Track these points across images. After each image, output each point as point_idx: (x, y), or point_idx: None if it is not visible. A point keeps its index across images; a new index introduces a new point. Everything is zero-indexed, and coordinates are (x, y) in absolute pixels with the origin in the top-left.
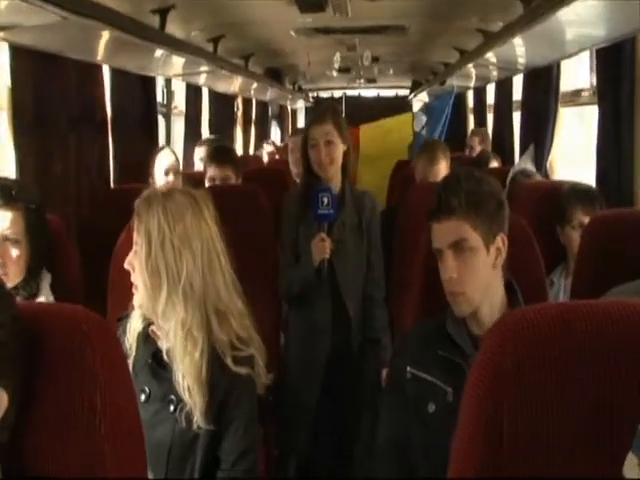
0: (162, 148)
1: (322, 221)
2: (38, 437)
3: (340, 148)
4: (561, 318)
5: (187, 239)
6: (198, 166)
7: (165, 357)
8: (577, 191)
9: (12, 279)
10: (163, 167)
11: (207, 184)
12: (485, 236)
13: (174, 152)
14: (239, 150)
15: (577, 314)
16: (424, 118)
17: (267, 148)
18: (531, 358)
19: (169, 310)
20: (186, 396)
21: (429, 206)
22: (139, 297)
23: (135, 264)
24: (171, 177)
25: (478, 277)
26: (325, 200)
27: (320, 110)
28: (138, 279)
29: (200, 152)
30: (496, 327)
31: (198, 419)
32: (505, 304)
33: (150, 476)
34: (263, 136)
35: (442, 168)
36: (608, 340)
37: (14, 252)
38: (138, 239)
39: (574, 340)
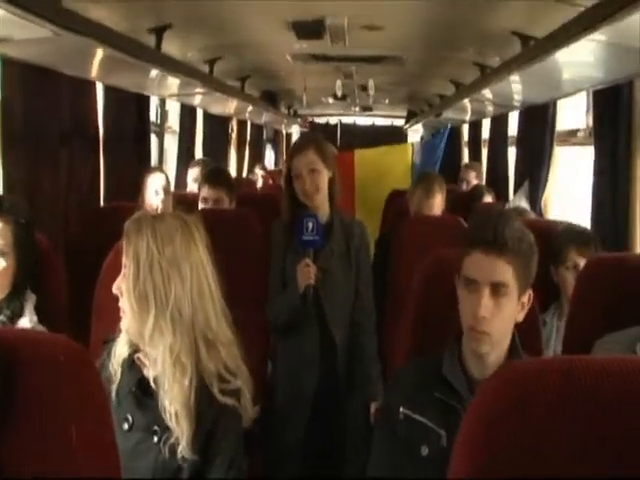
0: (154, 169)
1: (307, 247)
2: (11, 469)
3: (325, 176)
4: (564, 374)
5: (176, 262)
6: (191, 187)
7: (152, 384)
8: (572, 232)
9: None
10: (154, 187)
11: (200, 205)
12: (520, 288)
13: (165, 173)
14: (232, 172)
15: (581, 370)
16: (419, 154)
17: (259, 173)
18: (529, 415)
19: (157, 335)
20: (173, 424)
21: (477, 232)
22: (126, 321)
23: (123, 288)
24: (161, 196)
25: (504, 324)
26: (310, 226)
27: (301, 140)
28: (125, 303)
29: (193, 173)
30: (496, 376)
31: (184, 449)
32: (506, 355)
33: None
34: (257, 159)
35: (438, 201)
36: (612, 397)
37: (0, 264)
38: (126, 262)
39: (576, 397)
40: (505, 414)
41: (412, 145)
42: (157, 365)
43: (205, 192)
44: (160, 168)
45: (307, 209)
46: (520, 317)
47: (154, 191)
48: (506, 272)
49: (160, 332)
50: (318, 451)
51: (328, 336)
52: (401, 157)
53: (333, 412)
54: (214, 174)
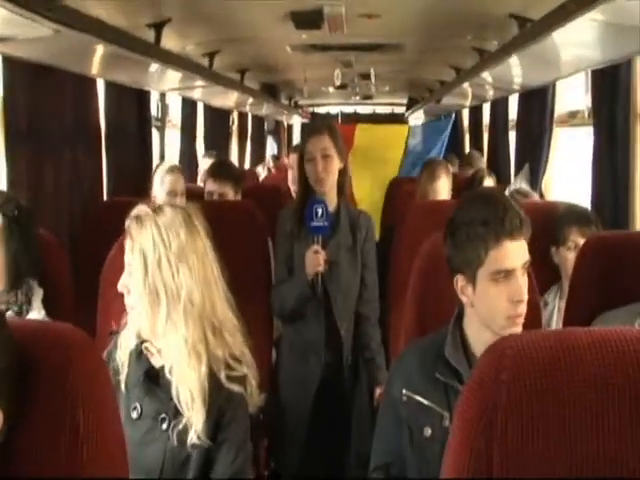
0: (172, 169)
1: (316, 233)
2: (20, 458)
3: (337, 163)
4: (559, 346)
5: (183, 254)
6: (201, 178)
7: (167, 374)
8: (572, 212)
9: None
10: (169, 187)
11: (206, 198)
12: None
13: (181, 171)
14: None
15: (576, 343)
16: (419, 136)
17: (270, 163)
18: (527, 390)
19: (170, 329)
20: (187, 411)
21: (504, 224)
22: (136, 319)
23: (130, 286)
24: (178, 200)
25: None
26: (320, 211)
27: (317, 124)
28: (134, 300)
29: (205, 164)
30: (492, 352)
31: (198, 432)
32: None
33: None
34: (259, 151)
35: (443, 185)
36: (607, 370)
37: None
38: (132, 260)
39: (571, 370)
40: (502, 386)
41: (409, 128)
42: (170, 356)
43: (210, 186)
44: (177, 168)
45: (316, 196)
46: None
47: (170, 192)
48: (526, 250)
49: (173, 325)
50: (323, 438)
51: (333, 326)
52: (398, 138)
53: (338, 400)
54: (218, 168)
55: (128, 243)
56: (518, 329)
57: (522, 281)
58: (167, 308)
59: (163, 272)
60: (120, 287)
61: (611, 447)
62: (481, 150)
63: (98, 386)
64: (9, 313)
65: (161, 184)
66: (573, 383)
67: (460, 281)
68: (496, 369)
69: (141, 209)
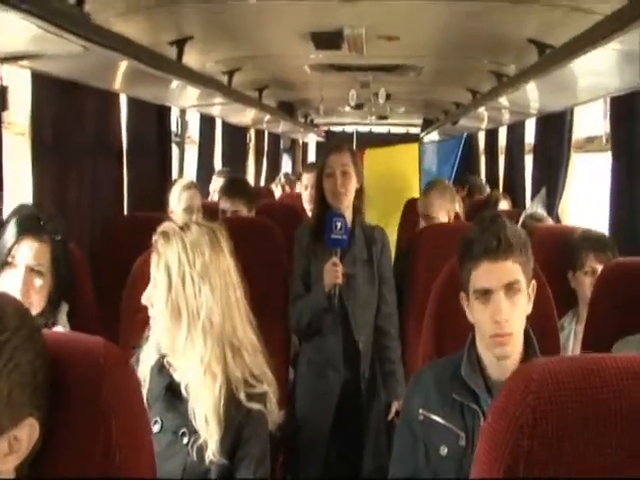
0: (189, 185)
1: (335, 246)
2: (55, 467)
3: (354, 181)
4: (586, 372)
5: (207, 274)
6: (213, 196)
7: (183, 391)
8: (589, 237)
9: (33, 309)
10: (186, 204)
11: (220, 216)
12: (526, 280)
13: (198, 188)
14: (251, 181)
15: (601, 368)
16: (433, 156)
17: (282, 180)
18: (553, 413)
19: (188, 346)
20: (202, 429)
21: (477, 243)
22: (158, 334)
23: (153, 300)
24: (194, 216)
25: (520, 320)
26: (339, 225)
27: (338, 141)
28: (157, 315)
29: (217, 183)
30: (518, 376)
31: (213, 452)
32: (522, 351)
33: None
34: (274, 168)
35: (434, 199)
36: (633, 397)
37: (37, 282)
38: (157, 275)
39: (598, 396)
40: (528, 409)
41: (419, 144)
42: (187, 374)
43: (224, 204)
44: (194, 184)
45: (335, 211)
46: (529, 308)
47: (186, 208)
48: (515, 270)
49: (192, 343)
50: (339, 453)
51: (351, 341)
52: (409, 156)
53: (355, 415)
54: (232, 186)
55: (154, 258)
56: (506, 349)
57: (504, 302)
58: (187, 326)
59: (186, 290)
60: (144, 300)
61: (637, 472)
62: (497, 173)
63: (130, 397)
64: None
65: (178, 200)
66: (599, 408)
67: (464, 299)
68: (523, 392)
69: (168, 226)
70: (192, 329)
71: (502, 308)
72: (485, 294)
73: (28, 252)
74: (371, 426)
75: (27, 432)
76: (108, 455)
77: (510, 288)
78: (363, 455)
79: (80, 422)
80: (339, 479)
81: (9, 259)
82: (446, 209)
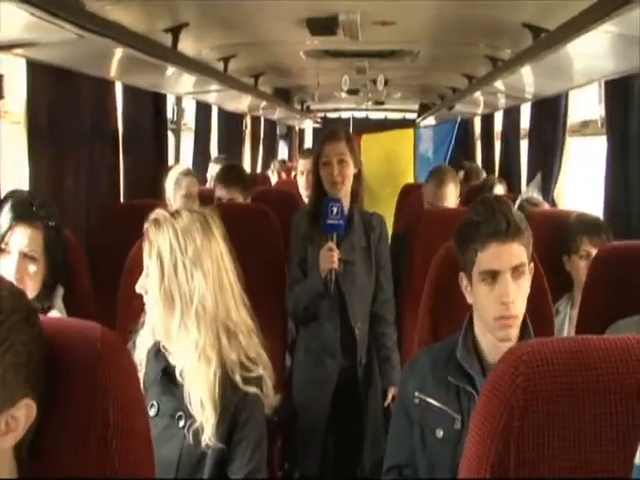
0: (186, 172)
1: (331, 231)
2: (52, 449)
3: (352, 168)
4: (575, 353)
5: (199, 260)
6: (210, 183)
7: (178, 376)
8: (584, 221)
9: (27, 294)
10: (185, 191)
11: (215, 203)
12: (529, 261)
13: (195, 176)
14: (247, 168)
15: (591, 349)
16: (429, 141)
17: (276, 167)
18: (543, 394)
19: (182, 332)
20: (198, 414)
21: (485, 225)
22: (152, 320)
23: (147, 287)
24: (192, 201)
25: (524, 302)
26: (335, 210)
27: (334, 129)
28: (151, 302)
29: (214, 169)
30: (508, 358)
31: (209, 436)
32: (518, 335)
33: None
34: (271, 154)
35: (450, 191)
36: (622, 377)
37: (31, 269)
38: (149, 262)
39: (587, 377)
40: (518, 394)
41: (414, 129)
42: (182, 359)
43: (219, 192)
44: (191, 172)
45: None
46: (528, 285)
47: (186, 194)
48: (521, 252)
49: (185, 328)
50: (337, 439)
51: (348, 328)
52: (404, 141)
53: (352, 401)
54: (227, 173)
55: (146, 246)
56: (510, 332)
57: (510, 284)
58: (181, 312)
59: (178, 276)
60: (138, 288)
61: (625, 451)
62: (493, 158)
63: (127, 382)
64: None
65: (177, 187)
66: (587, 389)
67: (463, 280)
68: (512, 374)
69: (159, 213)
70: (185, 315)
71: (510, 290)
72: (492, 276)
73: (21, 238)
74: (369, 413)
75: (24, 412)
76: (105, 439)
77: (516, 270)
78: (361, 442)
79: (77, 406)
80: (337, 466)
81: (2, 246)
82: (456, 196)
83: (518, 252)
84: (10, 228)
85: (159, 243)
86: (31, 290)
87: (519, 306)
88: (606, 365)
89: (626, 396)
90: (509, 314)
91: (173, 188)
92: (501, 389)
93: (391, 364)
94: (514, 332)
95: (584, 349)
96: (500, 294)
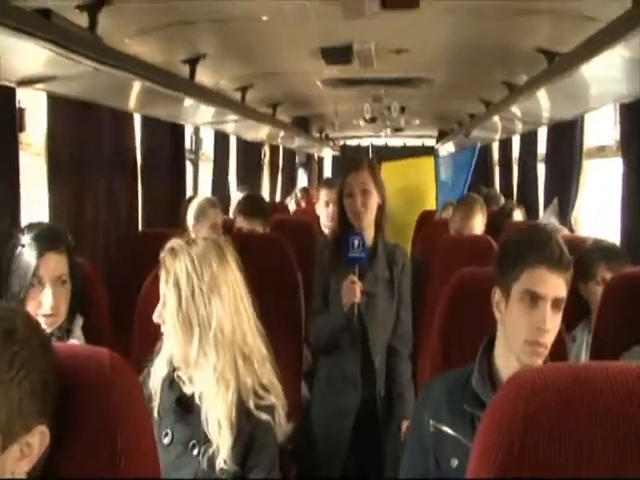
0: (211, 203)
1: (353, 264)
2: (63, 472)
3: (375, 198)
4: (576, 380)
5: (215, 285)
6: (232, 211)
7: (197, 401)
8: (601, 247)
9: (61, 320)
10: (212, 221)
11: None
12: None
13: (219, 207)
14: (266, 196)
15: (594, 377)
16: (450, 169)
17: (298, 196)
18: (543, 421)
19: (201, 357)
20: (215, 436)
21: (539, 247)
22: (170, 348)
23: (165, 316)
24: (218, 232)
25: (553, 338)
26: (356, 243)
27: (357, 159)
28: (169, 330)
29: (237, 198)
30: (509, 384)
31: (225, 459)
32: None
33: None
34: (290, 183)
35: (478, 222)
36: (621, 404)
37: (64, 293)
38: (166, 290)
39: (588, 405)
40: (518, 417)
41: (435, 158)
42: (201, 384)
43: (240, 222)
44: (216, 202)
45: (353, 228)
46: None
47: (212, 225)
48: (565, 288)
49: (204, 354)
50: (357, 469)
51: (368, 359)
52: (426, 170)
53: (371, 432)
54: (248, 205)
55: (163, 275)
56: (537, 360)
57: (549, 313)
58: (199, 337)
59: (196, 302)
60: (155, 318)
61: (630, 465)
62: (511, 183)
63: (135, 405)
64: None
65: (203, 218)
66: (588, 416)
67: (497, 295)
68: (514, 400)
69: (175, 242)
70: (204, 340)
71: (547, 317)
72: (533, 299)
73: (53, 266)
74: (387, 442)
75: (38, 438)
76: (114, 461)
77: (557, 304)
78: (380, 473)
79: (86, 429)
80: None
81: (35, 280)
82: (483, 226)
83: (562, 286)
84: (41, 259)
85: (176, 270)
86: (63, 315)
87: (550, 338)
88: (607, 392)
89: (628, 423)
90: (543, 341)
91: (197, 218)
92: (502, 415)
93: (404, 401)
94: (540, 362)
95: (586, 375)
96: (539, 319)
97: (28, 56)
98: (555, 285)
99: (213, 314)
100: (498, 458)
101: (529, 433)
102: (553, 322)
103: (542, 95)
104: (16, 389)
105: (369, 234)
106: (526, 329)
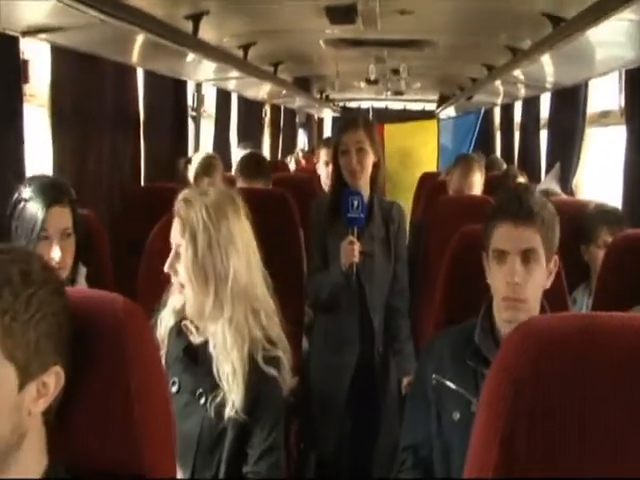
0: (213, 158)
1: (352, 225)
2: (78, 414)
3: (371, 157)
4: (584, 329)
5: (231, 237)
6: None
7: (211, 350)
8: (603, 211)
9: (67, 272)
10: (211, 178)
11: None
12: (547, 254)
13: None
14: (266, 155)
15: (600, 325)
16: (450, 132)
17: (299, 155)
18: (551, 370)
19: (217, 310)
20: (226, 385)
21: (503, 206)
22: (182, 298)
23: (178, 267)
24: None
25: (535, 290)
26: (355, 203)
27: (352, 117)
28: (183, 280)
29: (239, 155)
30: (517, 332)
31: (236, 408)
32: None
33: (178, 472)
34: (290, 143)
35: (476, 180)
36: (631, 353)
37: (69, 245)
38: (181, 241)
39: (596, 352)
40: (526, 365)
41: (438, 121)
42: (216, 336)
43: (240, 183)
44: (218, 159)
45: (351, 189)
46: (548, 283)
47: (210, 182)
48: (534, 239)
49: (220, 306)
50: (353, 423)
51: (367, 318)
52: (427, 133)
53: (368, 388)
54: (248, 166)
55: (177, 225)
56: (516, 315)
57: (518, 266)
58: (215, 289)
59: (213, 254)
60: (167, 268)
61: (633, 427)
62: (512, 149)
63: (148, 349)
64: None
65: (208, 173)
66: (594, 363)
67: (484, 259)
68: (520, 349)
69: (189, 192)
70: (221, 292)
71: (515, 270)
72: (502, 255)
73: (59, 219)
74: (385, 400)
75: (54, 379)
76: (127, 403)
77: (526, 255)
78: (377, 427)
79: (100, 372)
80: (353, 449)
81: (43, 233)
82: (481, 185)
83: (530, 237)
84: (47, 213)
85: (192, 221)
86: (69, 267)
87: (527, 290)
88: (613, 340)
89: (632, 372)
90: (514, 296)
91: (202, 173)
92: (509, 364)
93: (404, 355)
94: (522, 316)
95: (592, 324)
96: (505, 273)
97: (32, 5)
98: (520, 237)
99: (230, 267)
100: (507, 406)
101: (539, 381)
102: (526, 275)
103: (546, 60)
104: (33, 329)
105: (365, 192)
106: (500, 286)
